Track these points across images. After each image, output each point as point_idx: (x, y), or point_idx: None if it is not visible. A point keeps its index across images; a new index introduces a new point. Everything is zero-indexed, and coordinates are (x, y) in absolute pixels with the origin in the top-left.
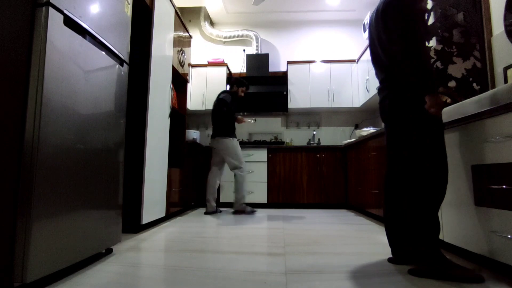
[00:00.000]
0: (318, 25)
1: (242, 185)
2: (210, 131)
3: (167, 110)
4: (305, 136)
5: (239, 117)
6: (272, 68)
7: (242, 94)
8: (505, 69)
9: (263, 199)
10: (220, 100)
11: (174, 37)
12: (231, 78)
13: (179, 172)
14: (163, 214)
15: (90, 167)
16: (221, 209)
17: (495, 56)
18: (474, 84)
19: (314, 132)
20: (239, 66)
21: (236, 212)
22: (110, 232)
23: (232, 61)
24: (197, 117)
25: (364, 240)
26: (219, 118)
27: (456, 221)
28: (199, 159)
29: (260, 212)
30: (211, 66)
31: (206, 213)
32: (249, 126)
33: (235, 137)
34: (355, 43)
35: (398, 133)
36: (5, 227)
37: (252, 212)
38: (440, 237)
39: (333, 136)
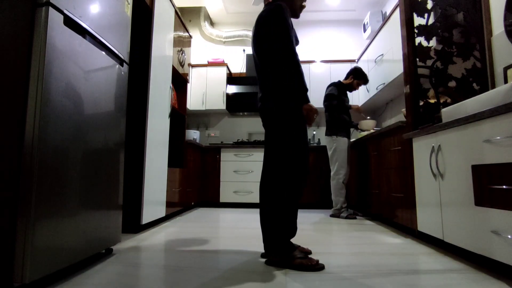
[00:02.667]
0: (318, 25)
1: (336, 189)
2: (210, 131)
3: (167, 110)
4: None
5: (354, 106)
6: None
7: (358, 88)
8: (505, 69)
9: None
10: (326, 96)
11: (174, 37)
12: (353, 67)
13: (179, 172)
14: (163, 214)
15: (90, 167)
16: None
17: (495, 56)
18: (474, 84)
19: (314, 132)
20: (239, 66)
21: (333, 216)
22: (110, 232)
23: (232, 61)
24: (197, 117)
25: (364, 240)
26: (329, 114)
27: (456, 221)
28: (199, 159)
29: None
30: (211, 66)
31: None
32: (249, 126)
33: (346, 137)
34: (355, 43)
35: (279, 134)
36: (5, 227)
37: (348, 218)
38: (440, 237)
39: None
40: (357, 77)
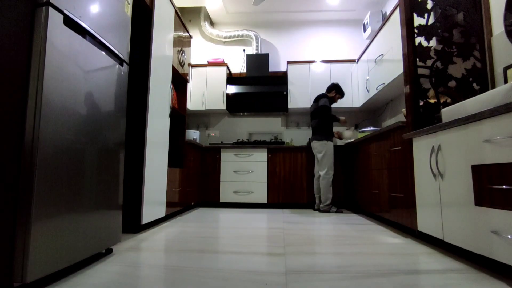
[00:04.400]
0: (318, 25)
1: (327, 187)
2: (210, 131)
3: (167, 110)
4: (305, 136)
5: (342, 118)
6: (272, 68)
7: (337, 101)
8: (505, 69)
9: (263, 199)
10: (325, 107)
11: (174, 37)
12: (333, 83)
13: (179, 172)
14: (163, 214)
15: (90, 167)
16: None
17: (495, 56)
18: (474, 84)
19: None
20: (239, 66)
21: (323, 211)
22: (110, 232)
23: (232, 61)
24: (197, 117)
25: (364, 240)
26: (323, 122)
27: (456, 221)
28: (199, 159)
29: (260, 212)
30: (211, 66)
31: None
32: (249, 126)
33: (331, 140)
34: (355, 43)
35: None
36: (5, 227)
37: (338, 212)
38: (440, 237)
39: None
40: (338, 92)
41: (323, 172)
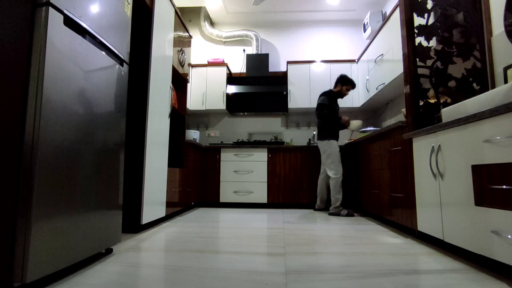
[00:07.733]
0: (318, 25)
1: (336, 188)
2: (210, 131)
3: (167, 110)
4: (305, 136)
5: (344, 118)
6: (272, 68)
7: (347, 93)
8: (505, 69)
9: (263, 199)
10: (318, 106)
11: (174, 37)
12: (340, 75)
13: (179, 172)
14: (163, 214)
15: (90, 167)
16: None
17: (495, 56)
18: (474, 84)
19: (314, 132)
20: (239, 66)
21: (332, 214)
22: (110, 232)
23: (232, 61)
24: (197, 117)
25: (364, 240)
26: (321, 121)
27: (456, 221)
28: (199, 159)
29: (260, 212)
30: (211, 66)
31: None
32: (249, 126)
33: (337, 140)
34: (355, 43)
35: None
36: (5, 227)
37: (348, 215)
38: (440, 237)
39: None
40: (344, 83)
41: (330, 172)
